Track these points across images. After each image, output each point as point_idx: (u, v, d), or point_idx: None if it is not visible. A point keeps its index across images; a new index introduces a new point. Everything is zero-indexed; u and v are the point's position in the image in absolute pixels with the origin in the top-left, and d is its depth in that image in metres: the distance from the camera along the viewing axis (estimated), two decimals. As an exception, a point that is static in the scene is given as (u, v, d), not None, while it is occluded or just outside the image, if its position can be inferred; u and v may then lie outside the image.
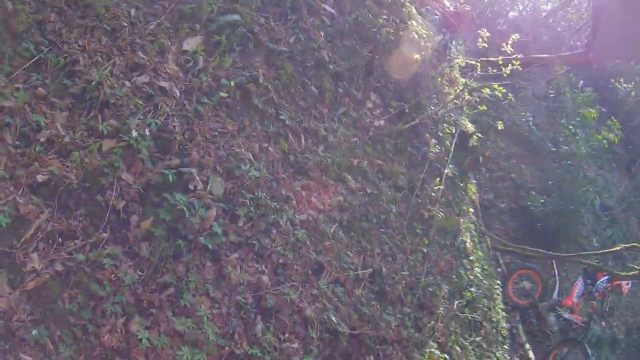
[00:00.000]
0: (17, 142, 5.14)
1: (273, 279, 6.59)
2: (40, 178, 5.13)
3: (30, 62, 5.39)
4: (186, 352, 5.43)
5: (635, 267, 12.32)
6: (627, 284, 11.84)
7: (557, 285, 12.45)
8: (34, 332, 4.91)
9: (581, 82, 18.60)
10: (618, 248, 12.40)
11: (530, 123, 15.85)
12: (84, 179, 5.37)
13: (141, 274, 5.50)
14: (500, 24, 19.58)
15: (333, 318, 6.99)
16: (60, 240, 5.18)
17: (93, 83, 5.63)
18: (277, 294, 6.48)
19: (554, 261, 12.81)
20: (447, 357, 8.94)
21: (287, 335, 6.50)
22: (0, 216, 4.81)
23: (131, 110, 5.85)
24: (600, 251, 12.54)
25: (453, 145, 10.46)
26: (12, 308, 4.83)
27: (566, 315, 11.87)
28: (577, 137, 15.44)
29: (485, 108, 10.64)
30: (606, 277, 11.79)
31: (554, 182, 14.51)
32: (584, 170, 14.99)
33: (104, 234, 5.36)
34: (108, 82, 5.76)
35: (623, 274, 12.05)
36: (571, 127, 15.43)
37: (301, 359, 6.53)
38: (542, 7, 23.77)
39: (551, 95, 17.22)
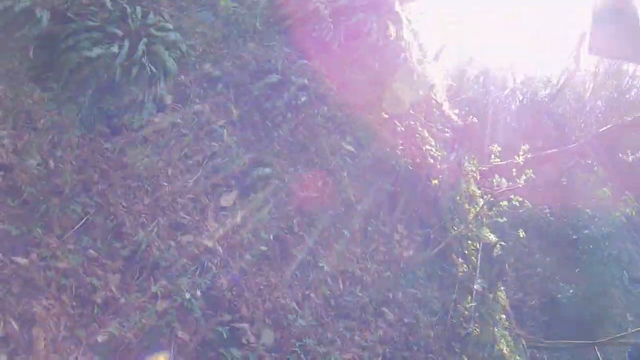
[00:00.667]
0: (74, 303, 5.44)
1: None
2: (100, 338, 5.43)
3: (79, 224, 5.80)
4: None
5: None
6: None
7: None
8: None
9: (590, 162, 18.78)
10: None
11: (548, 215, 16.09)
12: (143, 338, 5.67)
13: None
14: (504, 118, 20.12)
15: None
16: None
17: (142, 246, 6.06)
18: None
19: (595, 348, 12.34)
20: None
21: None
22: None
23: (180, 271, 6.26)
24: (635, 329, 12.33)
25: (479, 260, 10.81)
26: None
27: None
28: (596, 219, 15.58)
29: (506, 220, 11.07)
30: None
31: (580, 269, 14.61)
32: (608, 249, 15.06)
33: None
34: (155, 243, 6.18)
35: None
36: (588, 210, 15.60)
37: None
38: (540, 93, 24.26)
39: (563, 183, 17.47)
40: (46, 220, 5.66)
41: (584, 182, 17.47)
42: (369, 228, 8.83)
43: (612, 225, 15.93)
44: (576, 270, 14.91)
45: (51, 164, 5.96)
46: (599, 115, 23.08)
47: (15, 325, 5.03)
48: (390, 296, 8.58)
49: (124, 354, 5.56)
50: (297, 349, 6.83)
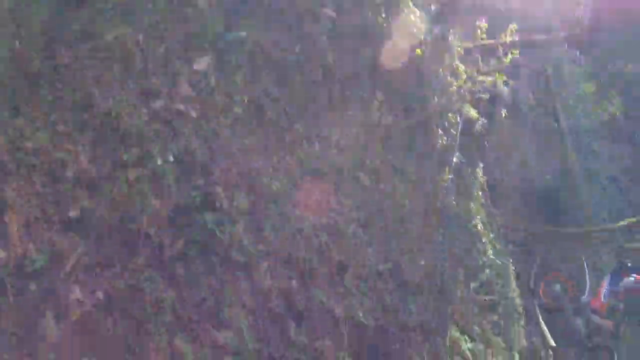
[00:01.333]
0: (45, 181, 5.25)
1: (302, 282, 6.84)
2: (72, 214, 5.29)
3: (48, 100, 5.47)
4: (230, 363, 5.70)
5: None
6: None
7: (587, 285, 11.74)
8: None
9: (579, 55, 18.49)
10: (635, 221, 12.19)
11: (531, 99, 15.83)
12: (115, 209, 5.52)
13: (179, 292, 5.73)
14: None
15: (360, 313, 7.25)
16: (98, 270, 5.35)
17: (112, 114, 5.75)
18: (307, 297, 6.74)
19: (584, 261, 12.34)
20: (467, 338, 9.21)
21: (319, 334, 6.77)
22: (39, 256, 5.01)
23: (151, 137, 5.98)
24: (610, 225, 12.33)
25: (459, 134, 10.62)
26: (60, 341, 5.04)
27: (596, 319, 10.88)
28: (578, 112, 15.42)
29: (488, 96, 10.81)
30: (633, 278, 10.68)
31: (559, 159, 14.57)
32: (587, 144, 14.97)
33: (140, 259, 5.56)
34: (126, 111, 5.86)
35: (632, 246, 12.11)
36: (571, 102, 15.41)
37: (335, 356, 6.80)
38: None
39: (547, 72, 17.14)
40: (13, 104, 5.34)
41: (570, 73, 17.18)
42: (347, 93, 8.51)
43: (595, 121, 15.77)
44: (553, 159, 14.84)
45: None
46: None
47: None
48: (367, 162, 8.40)
49: (97, 227, 5.41)
50: (272, 212, 6.69)
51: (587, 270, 12.09)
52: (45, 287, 5.07)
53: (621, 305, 10.77)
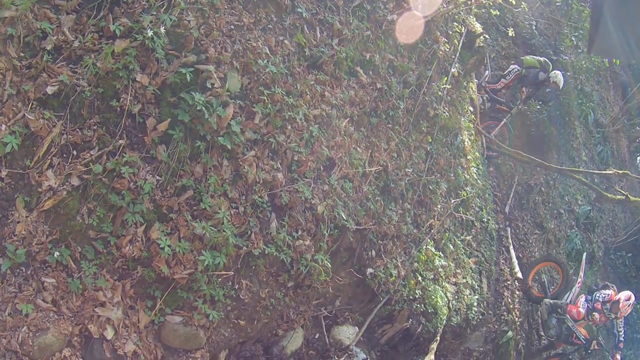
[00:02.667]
0: (21, 54, 4.69)
1: (287, 176, 6.33)
2: (50, 90, 4.72)
3: None
4: (207, 257, 5.24)
5: (622, 192, 12.16)
6: (627, 301, 9.99)
7: (577, 286, 10.95)
8: (56, 254, 4.69)
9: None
10: (610, 172, 11.90)
11: (534, 27, 15.06)
12: (97, 84, 4.94)
13: (159, 178, 5.21)
14: None
15: (342, 214, 6.81)
16: (75, 153, 4.85)
17: None
18: (291, 191, 6.23)
19: (584, 257, 11.56)
20: (441, 254, 8.91)
21: (300, 232, 6.32)
22: (11, 137, 4.45)
23: (143, 7, 5.30)
24: (592, 170, 12.00)
25: (460, 45, 9.94)
26: (31, 232, 4.59)
27: (570, 323, 10.32)
28: (579, 51, 14.80)
29: (498, 13, 10.09)
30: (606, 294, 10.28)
31: (552, 90, 14.03)
32: (582, 83, 14.43)
33: (121, 141, 5.01)
34: None
35: (610, 196, 11.90)
36: (573, 39, 14.74)
37: (313, 256, 6.39)
38: None
39: (557, 3, 16.23)
40: None
41: (578, 11, 16.25)
42: (355, -20, 7.72)
43: (592, 63, 15.22)
44: (547, 90, 14.28)
45: None
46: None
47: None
48: (367, 57, 7.73)
49: (75, 104, 4.87)
50: (265, 97, 6.05)
51: (582, 272, 11.23)
52: (17, 173, 4.57)
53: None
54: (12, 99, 4.59)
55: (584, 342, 10.25)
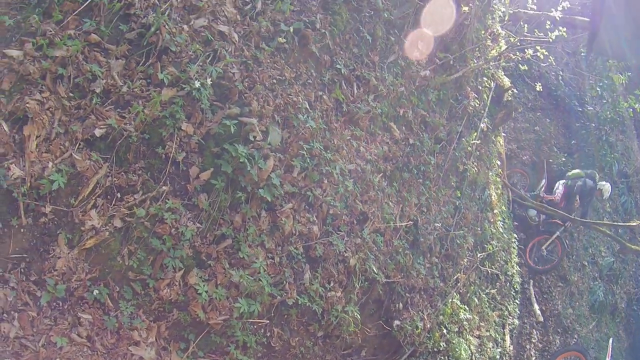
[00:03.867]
0: (71, 95, 4.73)
1: (322, 229, 6.40)
2: (97, 132, 4.77)
3: (82, 6, 4.82)
4: (243, 304, 5.29)
5: None
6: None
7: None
8: (95, 291, 4.73)
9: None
10: (634, 224, 11.96)
11: (560, 78, 15.16)
12: (144, 130, 5.02)
13: (200, 226, 5.28)
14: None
15: (373, 267, 6.86)
16: (119, 195, 4.91)
17: (152, 29, 5.15)
18: (325, 244, 6.30)
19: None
20: (466, 307, 8.89)
21: (332, 284, 6.37)
22: (57, 175, 4.51)
23: (190, 57, 5.42)
24: (616, 223, 12.00)
25: (489, 99, 10.08)
26: (71, 268, 4.64)
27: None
28: (604, 101, 14.83)
29: (526, 68, 10.22)
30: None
31: (577, 142, 14.05)
32: (607, 134, 14.43)
33: (164, 187, 5.09)
34: (166, 26, 5.25)
35: (634, 247, 11.86)
36: (598, 89, 14.80)
37: (343, 307, 6.42)
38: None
39: (582, 54, 16.35)
40: (44, 5, 4.71)
41: (603, 61, 16.40)
42: (392, 38, 7.89)
43: (617, 114, 15.23)
44: (572, 142, 14.32)
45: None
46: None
47: (5, 127, 4.35)
48: (401, 113, 7.87)
49: (122, 148, 4.94)
50: (304, 152, 6.18)
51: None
52: (61, 210, 4.61)
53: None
54: (59, 137, 4.64)
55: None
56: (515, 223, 12.16)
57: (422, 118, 8.31)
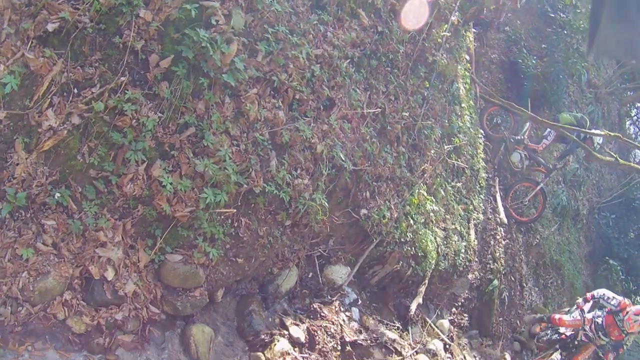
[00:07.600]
0: None
1: (288, 114, 6.13)
2: (50, 27, 4.43)
3: None
4: (209, 194, 5.08)
5: (612, 153, 12.13)
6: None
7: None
8: (56, 195, 4.51)
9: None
10: (602, 133, 11.70)
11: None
12: (99, 21, 4.67)
13: (161, 115, 4.99)
14: None
15: (340, 154, 6.65)
16: (75, 91, 4.60)
17: None
18: (292, 130, 6.04)
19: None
20: (433, 199, 8.80)
21: (299, 171, 6.16)
22: (10, 78, 4.20)
23: None
24: (584, 130, 11.74)
25: (461, -7, 9.62)
26: (31, 174, 4.39)
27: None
28: (578, 11, 14.37)
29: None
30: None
31: (547, 47, 13.62)
32: (578, 43, 14.03)
33: (123, 78, 4.76)
34: None
35: (599, 156, 11.77)
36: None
37: (310, 195, 6.24)
38: None
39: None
40: None
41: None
42: None
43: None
44: (542, 46, 13.89)
45: None
46: None
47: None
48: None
49: (77, 41, 4.59)
50: (269, 35, 5.81)
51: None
52: (16, 114, 4.32)
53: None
54: (10, 38, 4.31)
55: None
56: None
57: (391, 6, 7.89)
